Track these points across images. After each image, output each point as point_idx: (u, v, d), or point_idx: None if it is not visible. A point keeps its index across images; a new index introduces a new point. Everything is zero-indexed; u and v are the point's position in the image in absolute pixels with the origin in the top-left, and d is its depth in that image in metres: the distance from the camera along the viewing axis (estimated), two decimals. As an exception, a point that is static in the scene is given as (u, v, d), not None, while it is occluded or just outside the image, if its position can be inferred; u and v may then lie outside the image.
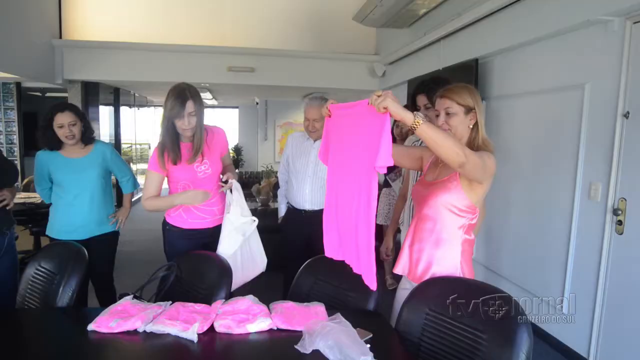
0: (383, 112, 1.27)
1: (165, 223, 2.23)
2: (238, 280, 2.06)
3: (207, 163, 2.11)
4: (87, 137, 2.44)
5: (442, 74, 3.95)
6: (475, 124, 1.58)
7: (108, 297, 2.51)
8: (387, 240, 2.40)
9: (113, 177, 2.67)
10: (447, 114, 1.59)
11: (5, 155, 2.33)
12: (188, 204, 2.08)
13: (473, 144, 1.58)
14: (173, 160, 2.02)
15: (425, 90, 2.07)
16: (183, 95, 1.93)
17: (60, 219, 2.43)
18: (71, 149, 2.41)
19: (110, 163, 2.54)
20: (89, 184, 2.42)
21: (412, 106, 2.18)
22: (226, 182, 2.10)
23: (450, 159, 1.36)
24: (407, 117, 1.28)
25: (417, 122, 1.29)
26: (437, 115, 1.62)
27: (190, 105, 1.94)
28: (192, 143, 2.05)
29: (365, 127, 1.36)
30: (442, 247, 1.57)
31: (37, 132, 2.37)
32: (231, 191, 2.11)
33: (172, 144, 2.01)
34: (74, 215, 2.41)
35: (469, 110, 1.57)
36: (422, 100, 2.09)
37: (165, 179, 2.12)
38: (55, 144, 2.37)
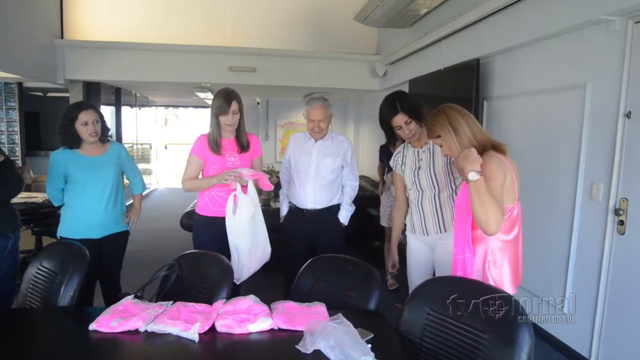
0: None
1: (194, 213, 2.54)
2: (249, 270, 2.34)
3: (237, 157, 2.46)
4: (105, 136, 2.51)
5: (443, 74, 3.95)
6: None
7: (115, 297, 2.53)
8: (392, 255, 2.35)
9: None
10: (440, 146, 1.75)
11: (7, 154, 2.33)
12: (222, 182, 2.33)
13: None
14: (217, 150, 2.40)
15: (401, 109, 2.11)
16: (229, 96, 2.34)
17: (75, 217, 2.44)
18: (89, 148, 2.45)
19: (124, 163, 2.61)
20: (106, 181, 2.46)
21: (389, 130, 2.21)
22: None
23: (478, 222, 1.51)
24: (472, 170, 1.52)
25: (467, 179, 1.51)
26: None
27: (234, 105, 2.34)
28: (234, 139, 2.45)
29: None
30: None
31: (58, 130, 2.40)
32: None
33: (215, 138, 2.40)
34: (90, 213, 2.43)
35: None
36: (401, 119, 2.12)
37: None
38: (76, 142, 2.40)
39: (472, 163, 1.51)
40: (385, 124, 2.20)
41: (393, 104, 2.15)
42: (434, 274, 2.16)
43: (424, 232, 2.16)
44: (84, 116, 2.36)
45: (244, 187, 2.34)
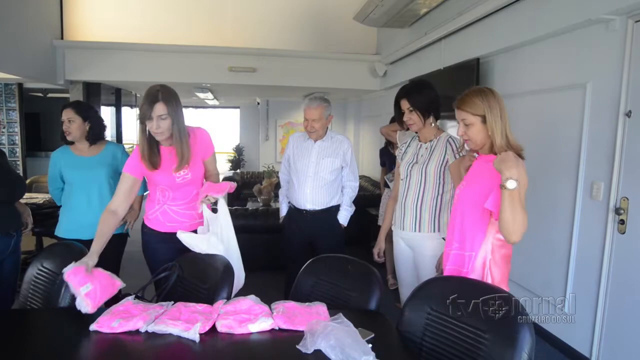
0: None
1: (143, 225, 2.15)
2: None
3: (187, 168, 1.99)
4: (93, 136, 2.48)
5: (443, 73, 3.95)
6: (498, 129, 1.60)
7: (114, 298, 2.53)
8: (379, 242, 2.39)
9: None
10: (465, 125, 1.62)
11: (7, 156, 2.36)
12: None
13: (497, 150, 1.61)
14: (152, 166, 1.93)
15: (406, 95, 2.15)
16: (153, 96, 1.83)
17: (68, 217, 2.46)
18: (81, 147, 2.48)
19: (120, 164, 2.55)
20: (96, 182, 2.45)
21: (397, 111, 2.23)
22: (215, 202, 2.00)
23: (504, 230, 1.49)
24: (510, 177, 1.46)
25: (504, 186, 1.46)
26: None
27: (160, 108, 1.83)
28: (173, 148, 1.94)
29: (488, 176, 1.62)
30: None
31: None
32: (215, 209, 1.99)
33: (149, 149, 1.92)
34: (82, 214, 2.43)
35: (485, 118, 1.59)
36: (405, 104, 2.15)
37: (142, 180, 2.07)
38: (64, 138, 2.47)
39: (511, 169, 1.46)
40: (396, 102, 2.23)
41: (409, 87, 2.20)
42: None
43: (402, 227, 2.20)
44: (62, 114, 2.43)
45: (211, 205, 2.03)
